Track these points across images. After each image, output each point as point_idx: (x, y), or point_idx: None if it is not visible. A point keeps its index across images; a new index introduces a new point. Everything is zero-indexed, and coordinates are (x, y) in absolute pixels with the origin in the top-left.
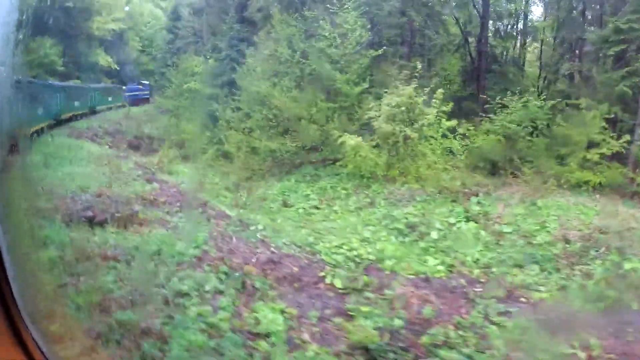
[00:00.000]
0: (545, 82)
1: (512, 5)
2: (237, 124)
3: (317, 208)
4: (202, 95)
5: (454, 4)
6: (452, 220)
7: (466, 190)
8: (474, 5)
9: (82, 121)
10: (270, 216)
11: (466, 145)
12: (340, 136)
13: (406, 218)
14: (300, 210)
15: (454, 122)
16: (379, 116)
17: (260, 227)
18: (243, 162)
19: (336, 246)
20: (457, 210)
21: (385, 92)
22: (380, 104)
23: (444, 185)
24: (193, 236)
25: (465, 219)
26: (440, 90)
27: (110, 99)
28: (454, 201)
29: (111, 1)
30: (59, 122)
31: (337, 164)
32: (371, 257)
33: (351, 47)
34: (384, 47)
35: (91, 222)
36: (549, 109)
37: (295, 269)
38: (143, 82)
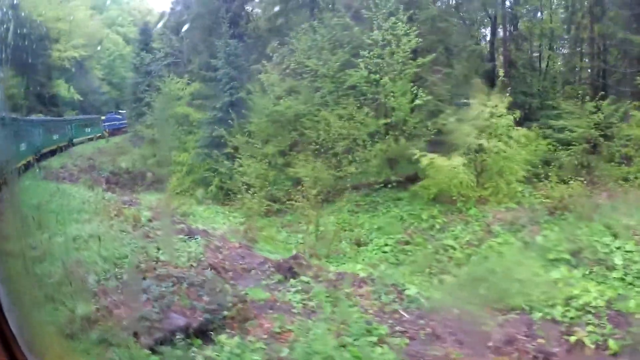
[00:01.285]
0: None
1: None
2: (252, 150)
3: (408, 243)
4: (193, 121)
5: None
6: (607, 240)
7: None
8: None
9: (54, 159)
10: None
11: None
12: (423, 155)
13: (556, 245)
14: (387, 249)
15: (529, 132)
16: (466, 130)
17: (413, 290)
18: (268, 194)
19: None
20: (598, 228)
21: (465, 102)
22: (457, 117)
23: (558, 202)
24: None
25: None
26: (507, 98)
27: (88, 130)
28: (580, 218)
29: (69, 27)
30: (39, 158)
31: (395, 186)
32: (599, 303)
33: (400, 55)
34: (432, 54)
35: (187, 333)
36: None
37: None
38: (120, 111)
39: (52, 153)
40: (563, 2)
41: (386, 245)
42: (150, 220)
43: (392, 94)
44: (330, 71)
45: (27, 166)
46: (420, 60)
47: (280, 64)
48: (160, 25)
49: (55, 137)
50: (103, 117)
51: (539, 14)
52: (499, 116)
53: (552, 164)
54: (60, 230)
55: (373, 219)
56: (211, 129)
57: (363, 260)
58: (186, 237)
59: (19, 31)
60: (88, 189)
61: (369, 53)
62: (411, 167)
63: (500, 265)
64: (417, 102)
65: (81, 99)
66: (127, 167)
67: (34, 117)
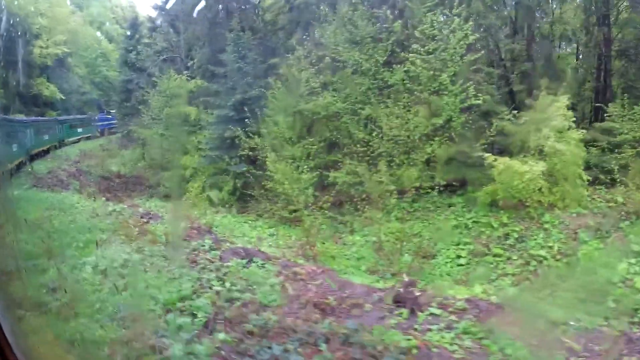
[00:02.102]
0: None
1: None
2: (279, 152)
3: (485, 254)
4: (197, 120)
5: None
6: None
7: None
8: None
9: (41, 164)
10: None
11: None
12: (495, 159)
13: None
14: (462, 261)
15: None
16: (529, 132)
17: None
18: (299, 199)
19: None
20: None
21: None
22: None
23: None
24: None
25: None
26: (566, 97)
27: (80, 130)
28: None
29: (50, 23)
30: (31, 158)
31: (441, 192)
32: None
33: (455, 51)
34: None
35: None
36: None
37: None
38: (111, 111)
39: (46, 152)
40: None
41: (459, 257)
42: (185, 239)
43: (447, 92)
44: (374, 66)
45: (19, 166)
46: (471, 57)
47: (306, 58)
48: (156, 17)
49: (45, 137)
50: (96, 117)
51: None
52: (561, 118)
53: (605, 167)
54: (79, 260)
55: (429, 227)
56: (222, 129)
57: (441, 275)
58: (244, 260)
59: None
60: (87, 198)
61: (423, 48)
62: (460, 171)
63: (614, 275)
64: (473, 101)
65: (63, 98)
66: (118, 170)
67: (22, 117)
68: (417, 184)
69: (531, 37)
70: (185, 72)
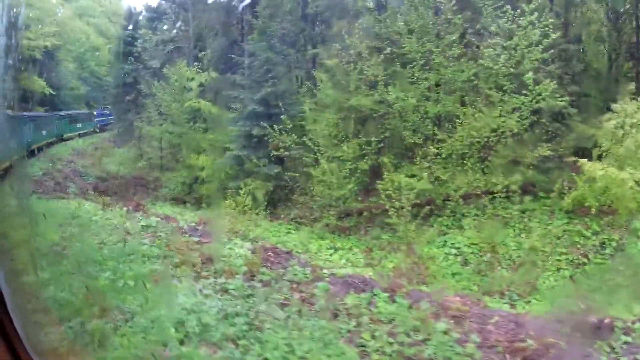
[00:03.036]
0: None
1: None
2: (326, 152)
3: (584, 264)
4: (212, 116)
5: None
6: None
7: None
8: None
9: (34, 164)
10: None
11: None
12: (590, 165)
13: None
14: (566, 273)
15: None
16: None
17: None
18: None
19: None
20: None
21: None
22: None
23: None
24: None
25: None
26: None
27: (79, 125)
28: None
29: (39, 14)
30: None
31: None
32: None
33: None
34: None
35: None
36: None
37: None
38: (107, 107)
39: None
40: None
41: (559, 269)
42: (266, 266)
43: (526, 91)
44: (445, 60)
45: (17, 164)
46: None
47: (352, 48)
48: (157, 6)
49: (43, 132)
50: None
51: None
52: None
53: None
54: (144, 315)
55: (512, 236)
56: (248, 125)
57: (552, 289)
58: (366, 294)
59: None
60: (102, 207)
61: (506, 41)
62: (526, 175)
63: None
64: (553, 102)
65: (53, 93)
66: (116, 171)
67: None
68: (487, 188)
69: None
70: (195, 63)
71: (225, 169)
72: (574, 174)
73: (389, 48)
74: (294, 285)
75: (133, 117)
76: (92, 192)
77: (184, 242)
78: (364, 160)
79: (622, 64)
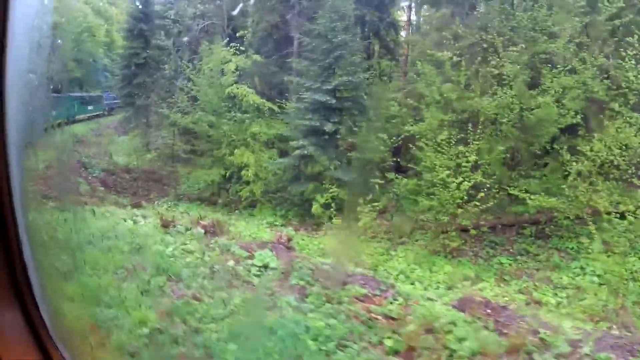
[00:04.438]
0: None
1: None
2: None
3: None
4: (256, 106)
5: None
6: None
7: None
8: None
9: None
10: None
11: None
12: None
13: None
14: None
15: None
16: None
17: None
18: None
19: None
20: None
21: None
22: None
23: None
24: None
25: None
26: None
27: (90, 107)
28: None
29: None
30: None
31: None
32: None
33: None
34: None
35: None
36: None
37: None
38: (105, 91)
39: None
40: None
41: None
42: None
43: None
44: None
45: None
46: None
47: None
48: None
49: (54, 113)
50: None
51: None
52: None
53: None
54: None
55: None
56: (315, 119)
57: None
58: None
59: None
60: (161, 225)
61: None
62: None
63: None
64: None
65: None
66: (126, 163)
67: None
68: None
69: None
70: (232, 44)
71: (276, 169)
72: None
73: (521, 45)
74: None
75: (142, 102)
76: (102, 189)
77: (363, 304)
78: (478, 172)
79: None
